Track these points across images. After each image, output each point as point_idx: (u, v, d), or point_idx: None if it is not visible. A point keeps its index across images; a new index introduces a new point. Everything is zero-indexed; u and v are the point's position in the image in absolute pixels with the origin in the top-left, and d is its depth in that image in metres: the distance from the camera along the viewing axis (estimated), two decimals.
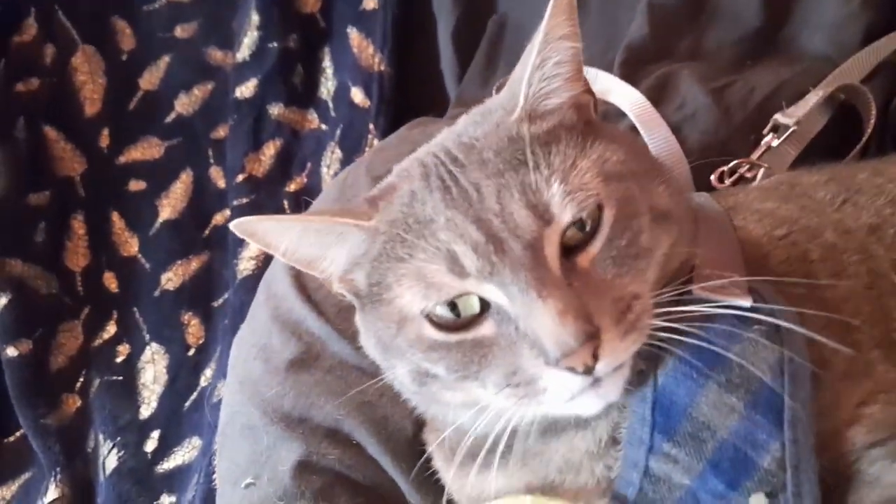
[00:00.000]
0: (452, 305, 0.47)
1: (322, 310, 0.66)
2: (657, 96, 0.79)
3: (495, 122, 0.50)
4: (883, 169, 0.62)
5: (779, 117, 0.74)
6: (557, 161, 0.47)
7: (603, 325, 0.44)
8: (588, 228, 0.46)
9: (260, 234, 0.51)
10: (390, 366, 0.53)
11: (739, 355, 0.47)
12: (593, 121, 0.53)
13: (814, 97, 0.74)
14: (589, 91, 0.53)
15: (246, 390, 0.66)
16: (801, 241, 0.55)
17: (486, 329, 0.47)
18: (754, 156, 0.74)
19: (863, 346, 0.49)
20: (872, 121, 0.75)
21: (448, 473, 0.57)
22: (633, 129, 0.77)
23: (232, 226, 0.51)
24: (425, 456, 0.58)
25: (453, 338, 0.48)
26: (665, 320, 0.46)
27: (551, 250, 0.46)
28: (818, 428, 0.46)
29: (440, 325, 0.47)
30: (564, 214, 0.46)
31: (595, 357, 0.44)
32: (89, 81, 1.19)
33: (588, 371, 0.44)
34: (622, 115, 0.78)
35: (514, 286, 0.45)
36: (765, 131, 0.75)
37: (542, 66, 0.49)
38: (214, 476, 0.86)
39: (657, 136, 0.76)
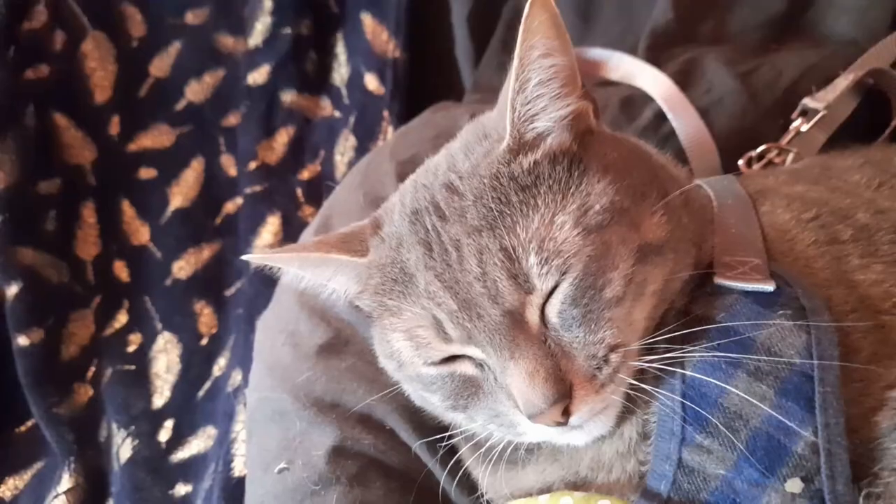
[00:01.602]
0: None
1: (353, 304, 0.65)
2: (684, 80, 0.78)
3: (482, 152, 0.51)
4: None
5: (808, 101, 0.73)
6: (536, 221, 0.47)
7: (575, 383, 0.46)
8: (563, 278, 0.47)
9: (272, 263, 0.57)
10: (401, 382, 0.57)
11: (766, 342, 0.46)
12: (592, 130, 0.52)
13: (843, 81, 0.73)
14: (586, 96, 0.52)
15: (276, 376, 0.65)
16: (830, 223, 0.54)
17: (467, 369, 0.50)
18: (783, 140, 0.73)
19: (893, 330, 0.48)
20: None
21: (477, 470, 0.56)
22: (660, 113, 0.76)
23: (246, 257, 0.58)
24: (457, 456, 0.57)
25: (444, 371, 0.50)
26: (661, 354, 0.47)
27: (532, 315, 0.47)
28: (847, 412, 0.45)
29: (437, 363, 0.51)
30: (546, 284, 0.47)
31: (567, 413, 0.46)
32: (99, 68, 1.17)
33: (562, 423, 0.46)
34: (649, 99, 0.77)
35: (490, 348, 0.48)
36: (793, 116, 0.74)
37: (523, 90, 0.49)
38: (233, 465, 0.86)
39: (685, 121, 0.75)
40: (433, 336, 0.49)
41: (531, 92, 0.49)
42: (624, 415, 0.49)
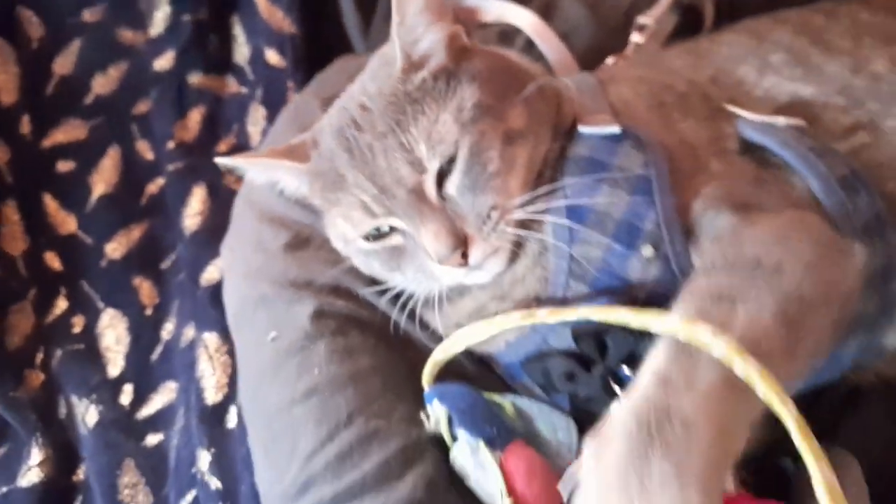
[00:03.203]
0: (375, 228, 0.66)
1: (302, 204, 0.77)
2: (545, 13, 0.95)
3: (384, 76, 0.66)
4: (716, 38, 0.82)
5: (640, 19, 0.93)
6: (424, 122, 0.63)
7: (469, 234, 0.63)
8: (453, 163, 0.63)
9: (238, 165, 0.74)
10: (350, 256, 0.72)
11: (619, 163, 0.64)
12: (465, 47, 0.68)
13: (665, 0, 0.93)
14: (456, 22, 0.68)
15: (251, 276, 0.76)
16: (658, 93, 0.73)
17: (395, 240, 0.66)
18: (626, 52, 0.92)
19: (702, 157, 0.67)
20: (710, 20, 0.95)
21: (428, 314, 0.71)
22: (530, 41, 0.93)
23: (217, 160, 0.74)
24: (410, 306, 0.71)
25: (378, 245, 0.68)
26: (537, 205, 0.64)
27: (430, 188, 0.63)
28: (674, 201, 0.63)
29: (368, 238, 0.68)
30: (433, 164, 0.63)
31: (465, 256, 0.62)
32: (1, 72, 1.21)
33: (463, 265, 0.63)
34: (519, 31, 0.94)
35: (406, 218, 0.64)
36: (631, 31, 0.94)
37: (403, 21, 0.64)
38: (205, 395, 0.95)
39: (550, 45, 0.92)
40: (363, 215, 0.66)
41: (410, 21, 0.65)
42: (517, 252, 0.65)
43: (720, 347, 0.49)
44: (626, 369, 0.61)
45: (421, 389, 0.67)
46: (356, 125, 0.66)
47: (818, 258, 0.57)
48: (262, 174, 0.74)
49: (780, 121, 0.66)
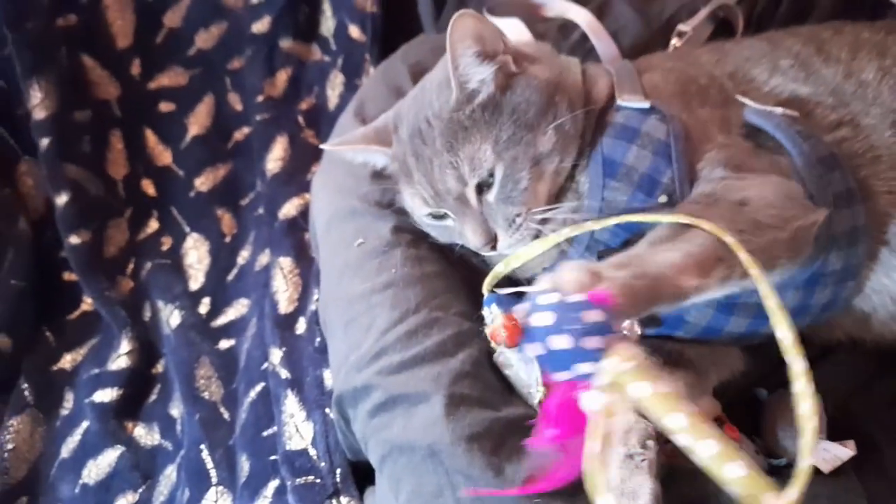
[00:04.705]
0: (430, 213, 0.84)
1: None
2: (599, 14, 1.11)
3: (444, 100, 0.81)
4: (740, 41, 0.97)
5: (681, 26, 1.08)
6: (469, 149, 0.79)
7: (498, 233, 0.79)
8: (492, 179, 0.79)
9: (339, 149, 0.90)
10: (415, 220, 0.88)
11: (646, 130, 0.79)
12: (513, 74, 0.82)
13: (703, 11, 1.08)
14: (506, 51, 0.81)
15: (344, 193, 0.93)
16: (684, 82, 0.87)
17: (448, 222, 0.83)
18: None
19: (711, 132, 0.81)
20: (741, 30, 1.11)
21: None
22: (584, 35, 1.10)
23: (323, 146, 0.92)
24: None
25: (435, 222, 0.84)
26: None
27: (471, 196, 0.80)
28: (686, 162, 0.77)
29: (429, 216, 0.84)
30: (472, 181, 0.79)
31: (494, 246, 0.80)
32: (119, 18, 1.38)
33: (494, 250, 0.80)
34: (576, 26, 1.10)
35: (453, 214, 0.81)
36: (672, 37, 1.09)
37: (457, 69, 0.79)
38: (279, 306, 1.11)
39: (602, 41, 1.08)
40: (422, 204, 0.83)
41: (462, 69, 0.79)
42: (538, 236, 0.79)
43: (711, 227, 0.64)
44: None
45: (472, 295, 0.83)
46: (422, 137, 0.81)
47: (781, 201, 0.71)
48: (358, 155, 0.91)
49: (778, 110, 0.79)
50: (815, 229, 0.72)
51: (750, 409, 0.88)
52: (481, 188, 0.79)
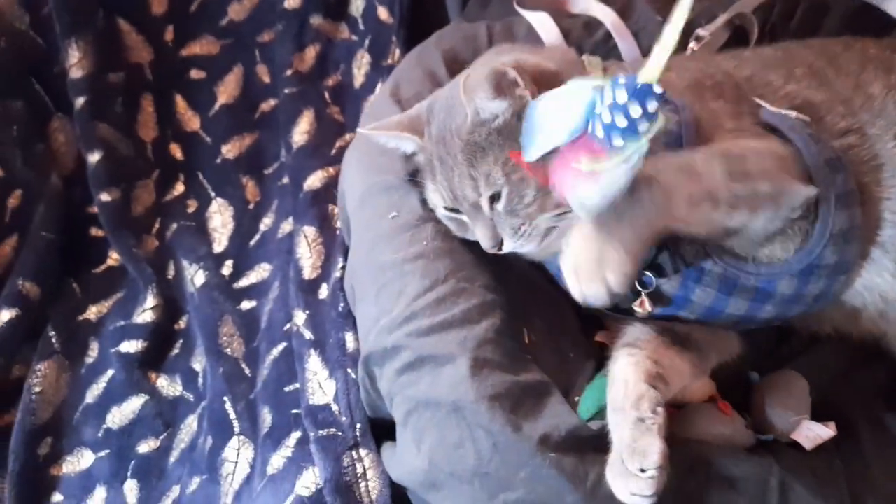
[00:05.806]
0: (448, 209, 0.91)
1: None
2: (622, 13, 1.17)
3: (462, 118, 0.85)
4: (758, 50, 1.03)
5: (699, 31, 1.14)
6: (484, 167, 0.84)
7: (504, 238, 0.86)
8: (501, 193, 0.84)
9: (373, 134, 0.94)
10: (435, 210, 0.94)
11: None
12: (523, 95, 0.85)
13: (721, 18, 1.14)
14: (517, 70, 0.84)
15: (378, 169, 0.98)
16: (700, 79, 0.93)
17: (463, 217, 0.89)
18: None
19: (722, 121, 0.87)
20: (755, 37, 1.17)
21: None
22: (608, 33, 1.16)
23: (359, 130, 1.01)
24: None
25: (452, 216, 0.91)
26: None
27: (484, 204, 0.85)
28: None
29: (446, 209, 0.91)
30: (486, 193, 0.85)
31: (500, 248, 0.86)
32: None
33: (500, 251, 0.87)
34: (601, 24, 1.16)
35: (467, 216, 0.88)
36: (690, 41, 1.15)
37: (471, 106, 0.84)
38: (303, 272, 1.17)
39: (624, 40, 1.14)
40: (441, 200, 0.90)
41: (478, 103, 0.83)
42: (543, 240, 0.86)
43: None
44: None
45: (494, 270, 0.91)
46: (445, 146, 0.87)
47: (776, 165, 0.79)
48: (391, 140, 0.95)
49: (791, 113, 0.85)
50: (803, 200, 0.79)
51: (742, 391, 0.95)
52: (493, 199, 0.86)
